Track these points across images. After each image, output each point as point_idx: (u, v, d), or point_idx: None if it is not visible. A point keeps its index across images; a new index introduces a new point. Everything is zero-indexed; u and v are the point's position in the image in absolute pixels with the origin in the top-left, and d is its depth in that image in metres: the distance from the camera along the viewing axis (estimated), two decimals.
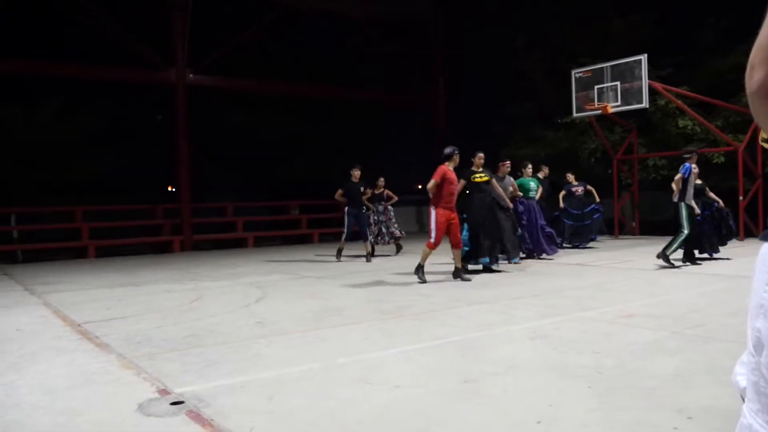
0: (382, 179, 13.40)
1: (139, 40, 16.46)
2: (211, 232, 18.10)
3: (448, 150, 8.74)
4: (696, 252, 9.85)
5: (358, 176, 12.13)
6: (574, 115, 15.34)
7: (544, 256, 11.25)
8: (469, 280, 8.61)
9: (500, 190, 9.84)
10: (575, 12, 17.75)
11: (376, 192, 13.36)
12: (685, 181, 9.29)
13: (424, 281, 8.44)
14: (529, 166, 11.82)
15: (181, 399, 3.54)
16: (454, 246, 8.70)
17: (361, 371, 4.04)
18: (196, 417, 3.25)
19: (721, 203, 10.40)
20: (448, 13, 20.55)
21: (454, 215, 8.59)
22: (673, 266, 9.19)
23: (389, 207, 13.26)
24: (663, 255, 9.21)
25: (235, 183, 23.70)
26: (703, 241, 10.00)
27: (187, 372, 4.16)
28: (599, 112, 14.42)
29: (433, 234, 8.47)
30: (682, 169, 9.35)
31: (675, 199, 9.39)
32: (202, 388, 3.74)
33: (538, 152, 17.94)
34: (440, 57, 21.56)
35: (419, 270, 8.58)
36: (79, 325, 6.05)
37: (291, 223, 19.16)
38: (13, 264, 13.89)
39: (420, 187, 31.16)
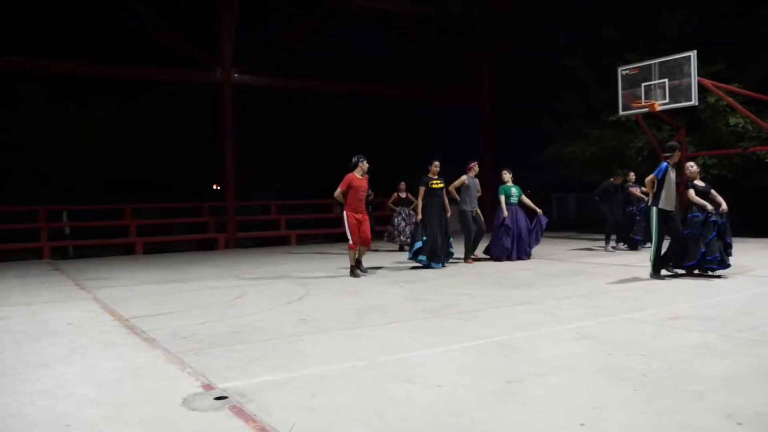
0: (403, 183, 13.71)
1: (186, 40, 16.76)
2: (255, 229, 18.30)
3: (354, 159, 9.46)
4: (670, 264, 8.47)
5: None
6: (621, 112, 15.01)
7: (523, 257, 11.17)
8: (358, 276, 9.26)
9: (455, 195, 10.83)
10: (622, 6, 17.36)
11: (401, 196, 13.68)
12: (658, 182, 8.10)
13: (358, 276, 9.24)
14: (505, 172, 11.49)
15: (224, 394, 3.58)
16: (363, 244, 9.39)
17: (404, 370, 4.02)
18: (240, 412, 3.28)
19: (724, 207, 8.28)
20: (493, 9, 20.35)
21: (364, 216, 9.39)
22: (663, 278, 8.10)
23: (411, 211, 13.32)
24: (652, 274, 8.16)
25: (280, 181, 23.98)
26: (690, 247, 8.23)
27: (231, 368, 4.21)
28: (646, 109, 14.09)
29: (349, 236, 9.25)
30: (656, 170, 8.16)
31: (648, 203, 8.39)
32: (246, 384, 3.78)
33: (583, 150, 17.62)
34: (486, 54, 21.36)
35: (353, 270, 9.34)
36: (126, 320, 6.18)
37: (333, 221, 19.25)
38: (65, 260, 14.30)
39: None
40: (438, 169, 10.35)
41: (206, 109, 18.85)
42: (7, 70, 16.30)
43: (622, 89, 14.66)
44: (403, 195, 13.84)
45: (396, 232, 13.71)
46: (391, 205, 13.92)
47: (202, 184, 23.80)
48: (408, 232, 13.09)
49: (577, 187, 23.16)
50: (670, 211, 8.18)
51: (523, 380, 3.71)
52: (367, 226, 9.36)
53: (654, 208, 8.15)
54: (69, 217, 16.17)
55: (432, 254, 10.12)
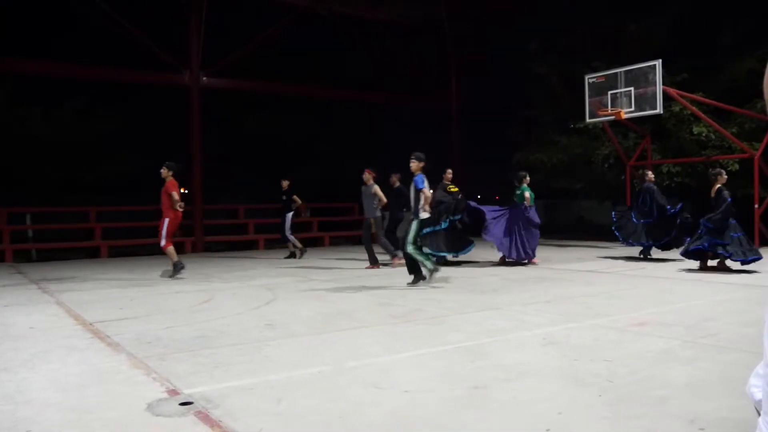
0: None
1: (154, 42, 16.56)
2: (223, 233, 18.15)
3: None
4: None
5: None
6: (588, 120, 15.26)
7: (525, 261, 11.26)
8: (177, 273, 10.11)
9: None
10: (590, 15, 17.66)
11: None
12: (418, 192, 8.39)
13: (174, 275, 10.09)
14: (526, 174, 11.69)
15: (190, 399, 3.55)
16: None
17: (371, 375, 4.03)
18: (205, 418, 3.26)
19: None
20: (462, 15, 20.51)
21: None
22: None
23: None
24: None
25: (247, 185, 23.79)
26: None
27: (197, 373, 4.17)
28: (613, 117, 14.34)
29: (164, 236, 10.21)
30: (419, 183, 8.47)
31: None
32: (212, 389, 3.75)
33: (551, 157, 17.85)
34: (454, 59, 21.51)
35: (175, 268, 10.19)
36: (90, 324, 6.08)
37: (302, 225, 19.19)
38: (28, 262, 14.00)
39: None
40: (451, 176, 11.66)
41: (175, 112, 18.64)
42: None
43: (589, 97, 14.91)
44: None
45: None
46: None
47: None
48: None
49: (546, 194, 23.46)
50: None
51: (489, 386, 3.75)
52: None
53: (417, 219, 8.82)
54: (32, 220, 15.83)
55: (449, 245, 11.11)
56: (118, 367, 4.39)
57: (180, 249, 16.19)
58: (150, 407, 3.44)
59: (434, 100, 21.67)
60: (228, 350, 4.83)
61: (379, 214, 11.35)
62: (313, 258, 13.41)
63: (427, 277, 8.44)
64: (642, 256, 11.82)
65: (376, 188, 11.18)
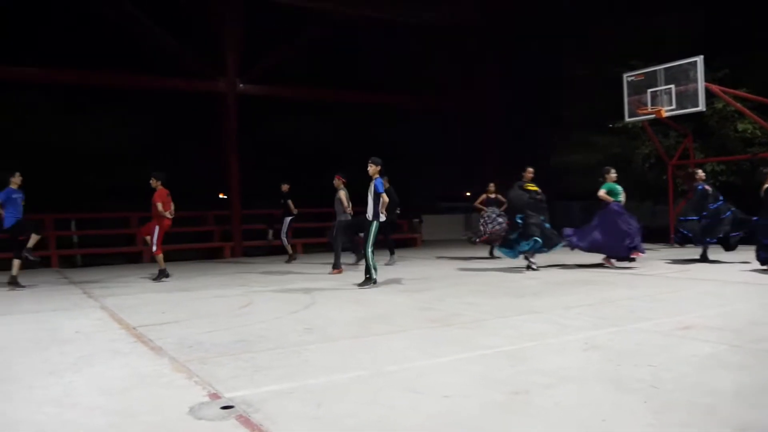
0: (492, 185, 13.58)
1: (191, 51, 16.86)
2: (261, 238, 18.32)
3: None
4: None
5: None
6: (626, 119, 15.01)
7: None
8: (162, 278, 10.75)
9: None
10: (624, 12, 17.36)
11: (491, 197, 13.46)
12: (377, 195, 9.01)
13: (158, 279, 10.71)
14: (612, 171, 11.10)
15: (231, 403, 3.58)
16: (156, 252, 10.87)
17: (409, 379, 4.01)
18: (246, 422, 3.28)
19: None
20: (495, 16, 20.38)
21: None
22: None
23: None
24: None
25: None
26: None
27: (237, 377, 4.21)
28: (653, 116, 14.07)
29: (154, 243, 10.75)
30: (379, 186, 9.06)
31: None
32: (252, 393, 3.78)
33: (588, 158, 17.60)
34: (487, 61, 21.38)
35: (160, 274, 10.81)
36: (134, 328, 6.20)
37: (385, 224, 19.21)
38: (73, 268, 14.34)
39: (468, 194, 30.96)
40: (532, 175, 11.12)
41: (211, 118, 18.93)
42: (18, 80, 16.47)
43: (628, 96, 14.67)
44: (492, 196, 13.56)
45: (483, 233, 13.14)
46: (479, 206, 13.62)
47: (208, 193, 23.83)
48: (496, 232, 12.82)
49: (582, 195, 23.13)
50: None
51: (529, 391, 3.70)
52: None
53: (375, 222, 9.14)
54: (77, 226, 16.23)
55: (546, 240, 10.59)
56: (161, 370, 4.46)
57: (219, 254, 16.47)
58: (192, 411, 3.48)
59: (465, 102, 21.55)
60: (267, 354, 4.86)
61: (343, 218, 11.55)
62: (349, 262, 13.42)
63: (368, 285, 8.91)
64: (701, 257, 11.38)
65: (341, 194, 11.49)
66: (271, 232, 14.63)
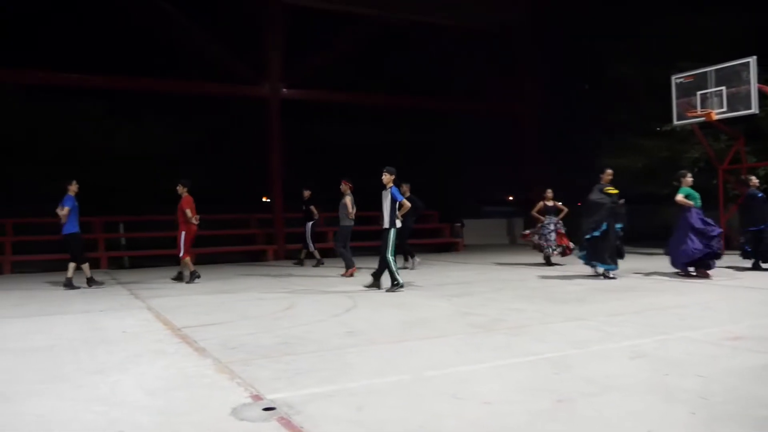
0: (550, 191, 12.99)
1: (235, 56, 17.15)
2: (304, 241, 18.46)
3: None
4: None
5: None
6: (675, 122, 14.65)
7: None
8: (193, 280, 10.95)
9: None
10: (672, 14, 16.96)
11: (548, 204, 12.87)
12: (394, 203, 9.07)
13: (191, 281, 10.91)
14: (689, 175, 10.57)
15: (272, 405, 3.61)
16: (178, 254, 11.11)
17: (451, 385, 3.97)
18: (287, 424, 3.29)
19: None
20: (538, 17, 20.16)
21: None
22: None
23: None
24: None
25: (327, 194, 24.15)
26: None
27: (279, 379, 4.24)
28: (702, 119, 13.71)
29: (182, 248, 10.97)
30: (396, 195, 9.14)
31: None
32: (293, 395, 3.80)
33: (635, 162, 17.25)
34: (530, 64, 21.15)
35: (188, 277, 10.99)
36: (178, 329, 6.30)
37: (380, 233, 19.29)
38: (121, 269, 14.68)
39: (511, 198, 30.69)
40: (611, 177, 10.36)
41: (254, 122, 19.20)
42: (67, 87, 17.00)
43: (677, 98, 14.32)
44: (550, 203, 12.92)
45: (544, 243, 12.70)
46: (536, 214, 13.01)
47: (252, 196, 24.16)
48: (554, 243, 12.56)
49: (628, 200, 22.70)
50: None
51: (574, 399, 3.62)
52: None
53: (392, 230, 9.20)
54: (125, 228, 16.63)
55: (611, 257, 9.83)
56: (204, 371, 4.52)
57: (262, 257, 16.66)
58: (234, 412, 3.52)
59: (508, 105, 21.36)
60: (309, 357, 4.89)
61: (347, 223, 11.84)
62: (412, 264, 13.41)
63: (396, 289, 8.94)
64: (753, 266, 10.93)
65: (346, 199, 11.81)
66: (304, 252, 14.60)
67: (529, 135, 21.21)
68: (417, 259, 13.01)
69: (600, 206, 9.92)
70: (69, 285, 10.41)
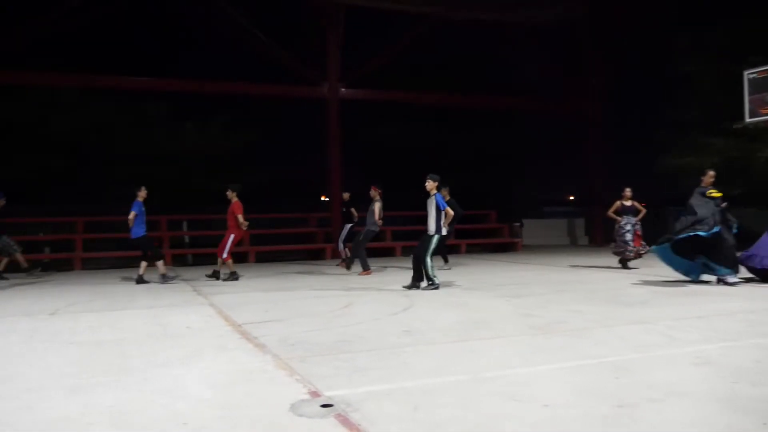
0: (628, 190, 12.20)
1: (294, 57, 17.40)
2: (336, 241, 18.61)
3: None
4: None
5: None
6: (747, 120, 14.07)
7: None
8: (233, 279, 11.29)
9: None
10: (743, 7, 16.28)
11: (626, 204, 12.14)
12: (439, 210, 9.14)
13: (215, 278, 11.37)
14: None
15: (330, 402, 3.64)
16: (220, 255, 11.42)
17: (509, 387, 3.93)
18: (345, 421, 3.32)
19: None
20: (602, 13, 19.68)
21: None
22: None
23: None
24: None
25: (385, 192, 24.27)
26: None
27: (337, 376, 4.28)
28: None
29: (227, 250, 11.29)
30: (441, 203, 9.19)
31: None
32: (351, 393, 3.83)
33: (703, 161, 16.64)
34: (594, 60, 20.68)
35: (229, 276, 11.37)
36: (239, 325, 6.44)
37: (422, 236, 19.22)
38: (184, 266, 15.10)
39: (572, 198, 30.11)
40: (713, 179, 9.59)
41: (313, 122, 19.45)
42: (134, 90, 17.62)
43: (749, 95, 13.74)
44: (628, 203, 12.15)
45: (622, 246, 11.99)
46: (613, 215, 12.20)
47: (311, 195, 24.49)
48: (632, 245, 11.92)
49: None
50: None
51: (635, 405, 3.53)
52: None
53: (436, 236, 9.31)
54: (188, 227, 17.09)
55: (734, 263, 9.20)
56: (264, 367, 4.61)
57: (320, 255, 16.86)
58: (293, 407, 3.57)
59: (570, 103, 20.95)
60: (366, 355, 4.92)
61: (374, 228, 12.04)
62: (449, 265, 13.37)
63: (431, 288, 9.16)
64: None
65: (375, 205, 12.05)
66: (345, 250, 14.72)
67: (594, 133, 20.76)
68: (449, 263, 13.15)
69: (705, 209, 9.14)
70: (140, 281, 10.88)
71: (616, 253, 12.19)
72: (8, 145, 17.83)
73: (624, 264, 12.06)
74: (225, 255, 11.35)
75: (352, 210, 14.10)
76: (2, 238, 12.42)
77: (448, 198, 11.53)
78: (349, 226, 14.10)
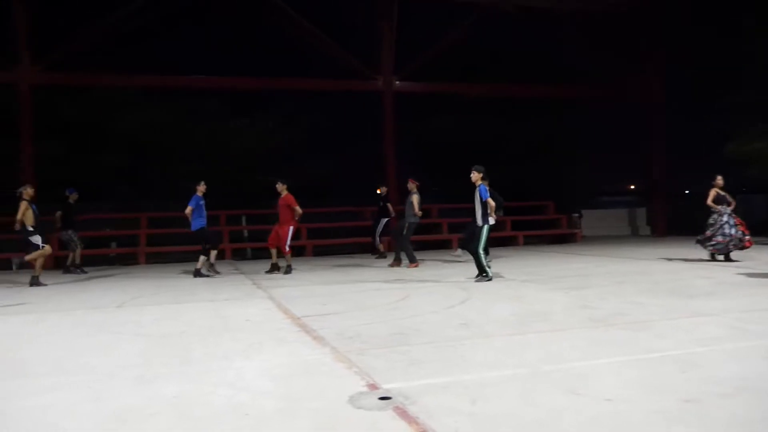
0: (720, 178, 11.39)
1: (348, 51, 17.49)
2: (417, 233, 18.60)
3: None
4: None
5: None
6: None
7: None
8: (290, 271, 11.52)
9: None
10: None
11: (721, 194, 11.34)
12: (484, 202, 9.29)
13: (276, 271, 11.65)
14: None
15: (388, 395, 3.67)
16: (283, 249, 11.62)
17: (568, 380, 3.87)
18: (403, 414, 3.34)
19: None
20: None
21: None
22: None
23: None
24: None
25: (441, 185, 24.17)
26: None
27: (394, 369, 4.30)
28: None
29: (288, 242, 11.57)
30: (484, 193, 9.31)
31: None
32: (408, 386, 3.84)
33: None
34: (652, 45, 20.03)
35: (287, 269, 11.62)
36: (298, 318, 6.54)
37: (495, 225, 19.06)
38: (243, 260, 15.42)
39: (632, 187, 29.34)
40: None
41: (369, 116, 19.50)
42: (192, 88, 18.06)
43: None
44: (722, 192, 11.33)
45: (720, 239, 10.97)
46: (713, 204, 11.24)
47: (367, 189, 24.63)
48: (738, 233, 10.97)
49: (765, 187, 21.02)
50: None
51: (702, 400, 3.42)
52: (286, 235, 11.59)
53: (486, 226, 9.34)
54: (247, 221, 17.44)
55: None
56: (322, 359, 4.67)
57: (377, 248, 16.89)
58: (352, 400, 3.61)
59: (629, 90, 20.36)
60: (423, 348, 4.92)
61: (414, 220, 12.13)
62: (506, 257, 13.26)
63: (483, 280, 9.25)
64: None
65: (414, 198, 12.17)
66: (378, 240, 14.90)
67: (656, 119, 20.15)
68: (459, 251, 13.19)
69: None
70: (198, 274, 11.18)
71: (711, 247, 11.12)
72: (75, 145, 18.51)
73: (726, 256, 11.08)
74: (287, 248, 11.58)
75: (388, 205, 14.18)
76: (68, 232, 12.89)
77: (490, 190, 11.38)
78: (385, 220, 14.23)
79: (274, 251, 11.95)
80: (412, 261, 12.04)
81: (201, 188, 11.38)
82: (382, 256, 14.53)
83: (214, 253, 11.66)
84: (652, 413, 3.24)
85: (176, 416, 3.47)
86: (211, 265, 11.63)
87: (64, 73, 16.20)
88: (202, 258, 11.45)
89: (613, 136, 24.02)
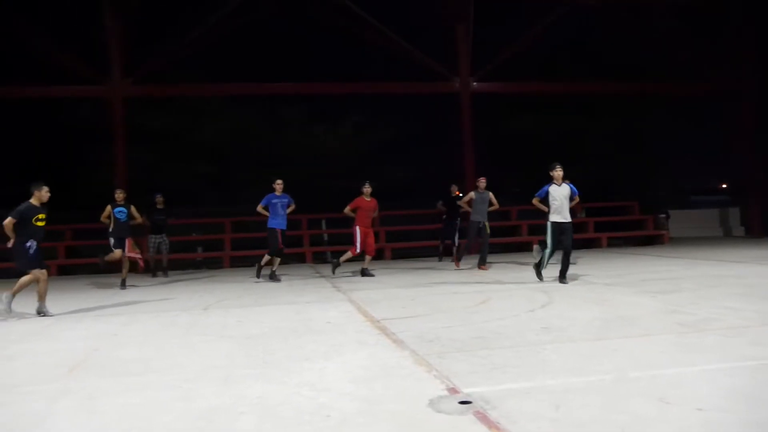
0: None
1: (424, 53, 17.50)
2: (496, 235, 18.38)
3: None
4: None
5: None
6: None
7: None
8: (372, 275, 11.57)
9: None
10: None
11: None
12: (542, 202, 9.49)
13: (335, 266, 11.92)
14: None
15: (469, 399, 3.65)
16: (368, 253, 11.80)
17: (657, 387, 3.73)
18: (483, 418, 3.31)
19: None
20: None
21: (370, 230, 11.80)
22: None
23: None
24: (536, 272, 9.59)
25: (520, 186, 23.79)
26: None
27: (475, 373, 4.27)
28: None
29: (357, 244, 11.61)
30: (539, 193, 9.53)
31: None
32: (489, 390, 3.80)
33: None
34: (749, 39, 19.02)
35: (336, 267, 11.90)
36: (378, 321, 6.60)
37: (577, 226, 18.60)
38: (324, 263, 15.67)
39: (724, 186, 27.96)
40: None
41: (446, 117, 19.42)
42: (272, 95, 18.57)
43: None
44: None
45: None
46: None
47: (443, 190, 24.57)
48: None
49: None
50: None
51: None
52: (372, 239, 11.75)
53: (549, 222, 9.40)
54: (327, 225, 17.72)
55: None
56: (402, 362, 4.69)
57: (452, 251, 16.83)
58: (431, 403, 3.61)
59: (718, 85, 19.39)
60: (504, 352, 4.87)
61: (484, 219, 12.25)
62: (588, 259, 12.91)
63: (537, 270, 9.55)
64: None
65: (491, 196, 12.45)
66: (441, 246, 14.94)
67: (748, 114, 19.13)
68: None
69: None
70: (273, 278, 11.42)
71: None
72: (163, 153, 19.35)
73: None
74: (357, 250, 11.66)
75: (462, 203, 14.04)
76: (156, 236, 13.30)
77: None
78: (458, 221, 14.11)
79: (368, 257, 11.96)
80: (482, 263, 12.19)
81: (277, 186, 11.39)
82: (442, 258, 14.57)
83: (277, 260, 11.62)
84: (750, 425, 3.08)
85: (261, 416, 3.57)
86: (260, 267, 11.66)
87: (153, 84, 16.96)
88: (275, 260, 11.55)
89: (704, 132, 22.96)
